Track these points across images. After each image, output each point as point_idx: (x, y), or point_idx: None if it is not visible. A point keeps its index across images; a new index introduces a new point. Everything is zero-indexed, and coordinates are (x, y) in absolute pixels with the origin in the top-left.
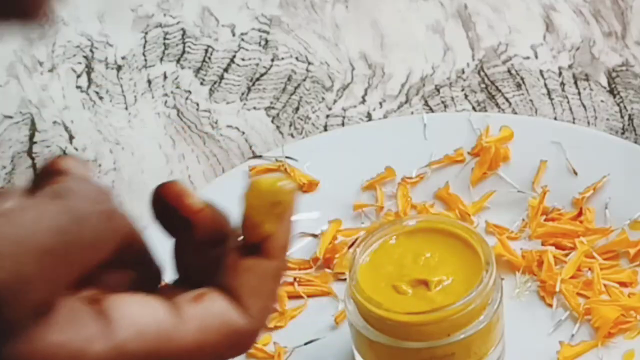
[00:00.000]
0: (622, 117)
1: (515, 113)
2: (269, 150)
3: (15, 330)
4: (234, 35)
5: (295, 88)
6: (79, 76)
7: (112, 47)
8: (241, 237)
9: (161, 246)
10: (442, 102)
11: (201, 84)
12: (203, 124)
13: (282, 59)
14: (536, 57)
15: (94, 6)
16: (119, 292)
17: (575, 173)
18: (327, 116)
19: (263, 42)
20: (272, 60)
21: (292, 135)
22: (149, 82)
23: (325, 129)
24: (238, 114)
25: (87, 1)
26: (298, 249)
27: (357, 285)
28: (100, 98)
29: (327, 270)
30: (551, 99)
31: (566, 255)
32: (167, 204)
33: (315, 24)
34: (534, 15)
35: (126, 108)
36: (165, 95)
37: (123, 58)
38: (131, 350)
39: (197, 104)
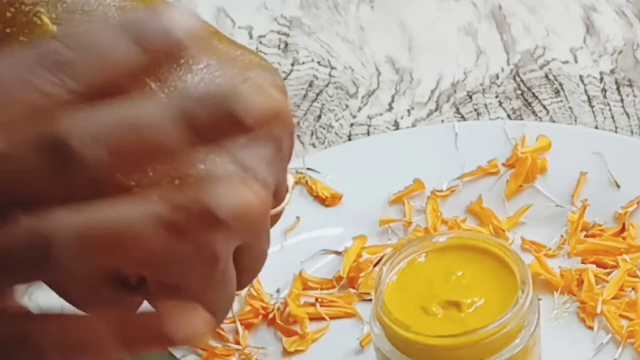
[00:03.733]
0: None
1: (554, 121)
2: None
3: None
4: (251, 37)
5: (317, 94)
6: None
7: None
8: None
9: None
10: (475, 109)
11: None
12: None
13: (303, 63)
14: (576, 61)
15: None
16: None
17: (618, 186)
18: (352, 125)
19: (282, 45)
20: (292, 64)
21: (313, 145)
22: None
23: (350, 139)
24: None
25: None
26: (320, 267)
27: (383, 306)
28: None
29: (352, 290)
30: (592, 107)
31: (608, 274)
32: None
33: (338, 25)
34: (573, 16)
35: None
36: None
37: None
38: None
39: None
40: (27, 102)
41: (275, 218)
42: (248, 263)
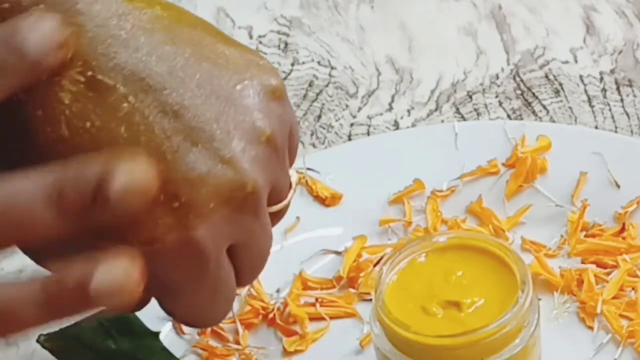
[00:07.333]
0: None
1: (554, 121)
2: None
3: None
4: (251, 37)
5: (317, 94)
6: None
7: None
8: None
9: None
10: (475, 109)
11: None
12: None
13: (303, 63)
14: (576, 61)
15: None
16: None
17: (618, 186)
18: (352, 125)
19: (282, 45)
20: (292, 64)
21: (313, 145)
22: None
23: (350, 139)
24: None
25: None
26: (320, 267)
27: (383, 306)
28: None
29: (352, 290)
30: (592, 107)
31: (608, 274)
32: None
33: (338, 25)
34: (573, 16)
35: None
36: None
37: None
38: None
39: None
40: None
41: (279, 215)
42: (246, 261)
